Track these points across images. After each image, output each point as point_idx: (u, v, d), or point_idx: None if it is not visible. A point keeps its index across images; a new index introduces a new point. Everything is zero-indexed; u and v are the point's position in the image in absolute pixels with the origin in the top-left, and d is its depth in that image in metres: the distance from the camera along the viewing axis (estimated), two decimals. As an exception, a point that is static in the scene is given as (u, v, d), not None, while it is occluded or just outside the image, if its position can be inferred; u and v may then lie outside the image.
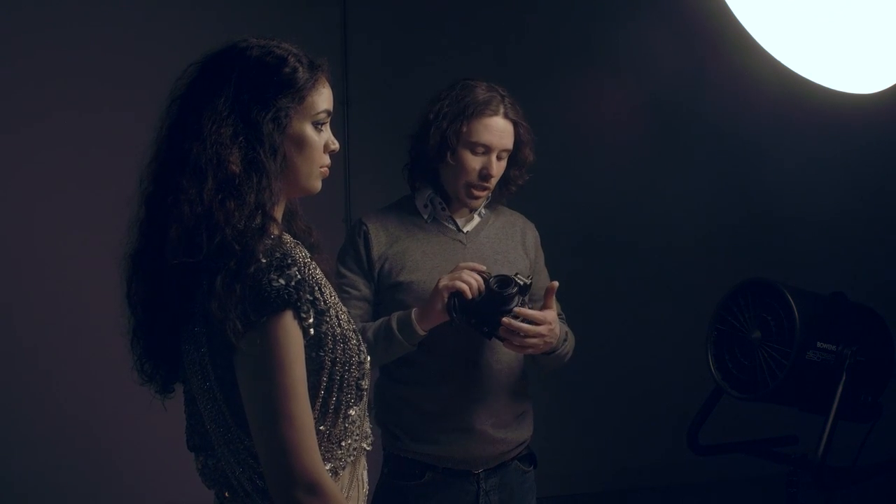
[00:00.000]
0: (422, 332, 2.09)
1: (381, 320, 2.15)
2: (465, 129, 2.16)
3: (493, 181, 2.20)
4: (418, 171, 2.26)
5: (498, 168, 2.20)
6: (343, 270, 2.21)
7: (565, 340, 2.22)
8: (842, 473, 2.18)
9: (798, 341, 2.15)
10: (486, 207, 2.30)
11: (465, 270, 2.07)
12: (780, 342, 2.18)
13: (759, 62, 1.60)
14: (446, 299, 2.05)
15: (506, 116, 2.19)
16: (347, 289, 2.19)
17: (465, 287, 2.04)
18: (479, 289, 2.06)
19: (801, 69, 1.41)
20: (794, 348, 2.15)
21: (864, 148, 4.21)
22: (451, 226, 2.26)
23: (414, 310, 2.10)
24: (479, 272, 2.08)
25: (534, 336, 2.07)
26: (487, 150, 2.17)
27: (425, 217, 2.25)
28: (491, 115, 2.17)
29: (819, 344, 2.18)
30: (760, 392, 2.22)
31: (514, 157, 2.24)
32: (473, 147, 2.17)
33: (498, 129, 2.18)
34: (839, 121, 3.33)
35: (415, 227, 2.24)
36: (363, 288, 2.20)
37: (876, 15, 1.31)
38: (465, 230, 2.26)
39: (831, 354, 2.18)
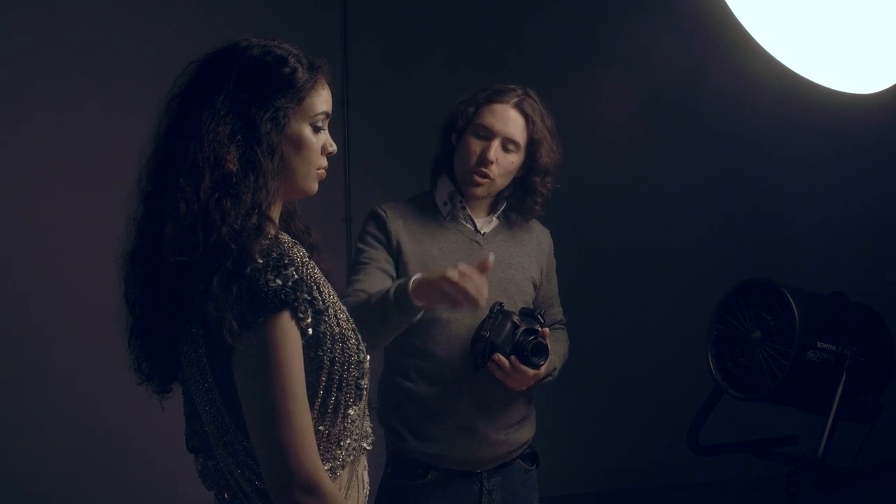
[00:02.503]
0: (419, 304, 1.88)
1: (380, 291, 1.97)
2: (472, 111, 2.16)
3: (494, 169, 2.13)
4: (440, 162, 2.24)
5: (502, 157, 2.14)
6: (362, 246, 2.16)
7: (549, 374, 2.19)
8: (842, 473, 2.18)
9: (798, 341, 2.14)
10: (505, 213, 2.26)
11: (477, 277, 1.81)
12: (780, 342, 2.18)
13: (759, 62, 1.60)
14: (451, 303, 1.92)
15: (517, 107, 2.16)
16: (367, 261, 2.11)
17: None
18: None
19: (801, 69, 1.41)
20: (794, 348, 2.14)
21: (864, 148, 4.20)
22: (469, 225, 2.22)
23: (412, 281, 1.87)
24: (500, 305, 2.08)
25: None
26: (489, 134, 2.13)
27: (444, 214, 2.22)
28: (500, 103, 2.15)
29: (819, 344, 2.17)
30: (760, 392, 2.22)
31: (532, 159, 2.18)
32: (476, 130, 2.14)
33: (502, 115, 2.14)
34: (839, 121, 3.33)
35: (433, 224, 2.21)
36: (385, 263, 2.14)
37: (876, 15, 1.30)
38: (482, 231, 2.23)
39: (831, 354, 2.18)
